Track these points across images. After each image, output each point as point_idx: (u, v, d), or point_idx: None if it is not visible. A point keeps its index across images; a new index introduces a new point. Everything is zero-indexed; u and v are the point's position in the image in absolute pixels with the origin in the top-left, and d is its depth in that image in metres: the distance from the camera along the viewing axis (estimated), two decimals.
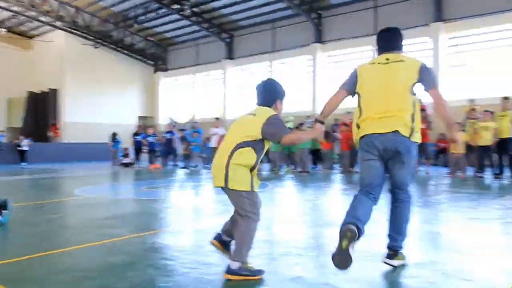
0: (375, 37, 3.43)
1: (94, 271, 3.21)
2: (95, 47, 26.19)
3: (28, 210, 6.26)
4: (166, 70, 28.88)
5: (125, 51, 27.48)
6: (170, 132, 17.32)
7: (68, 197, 8.06)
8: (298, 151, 13.63)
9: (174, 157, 17.24)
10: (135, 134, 18.18)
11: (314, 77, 21.09)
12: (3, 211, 5.05)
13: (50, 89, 25.48)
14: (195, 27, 24.57)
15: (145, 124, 23.94)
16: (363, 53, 19.73)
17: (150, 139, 17.53)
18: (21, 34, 27.25)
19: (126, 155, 18.71)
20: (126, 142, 18.98)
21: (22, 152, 20.36)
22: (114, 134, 19.05)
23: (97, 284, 2.92)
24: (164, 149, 17.21)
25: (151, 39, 27.63)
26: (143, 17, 23.80)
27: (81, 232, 4.73)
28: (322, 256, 3.63)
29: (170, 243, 4.19)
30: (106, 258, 3.61)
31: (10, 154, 20.54)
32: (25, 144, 20.52)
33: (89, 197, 7.83)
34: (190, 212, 6.42)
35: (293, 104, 20.48)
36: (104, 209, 6.46)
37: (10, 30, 26.08)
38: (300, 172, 13.15)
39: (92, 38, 25.78)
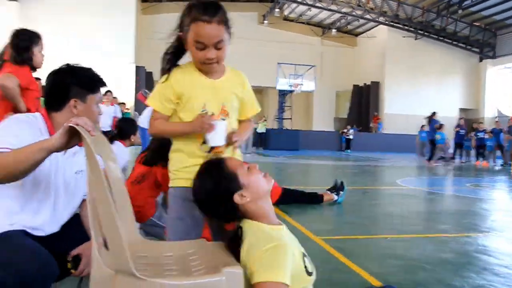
0: None
1: (427, 263, 3.24)
2: (416, 39, 26.16)
3: (356, 194, 6.86)
4: (494, 57, 26.15)
5: (447, 40, 26.36)
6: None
7: (390, 186, 8.42)
8: None
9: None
10: (458, 127, 17.21)
11: None
12: (340, 192, 5.72)
13: (372, 82, 27.05)
14: None
15: (465, 117, 22.43)
16: None
17: (480, 134, 16.24)
18: (348, 32, 29.87)
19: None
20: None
21: (348, 141, 22.49)
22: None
23: (431, 276, 2.94)
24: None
25: (477, 24, 25.49)
26: (469, 1, 22.17)
27: (407, 222, 4.84)
28: None
29: (506, 249, 3.81)
30: (436, 252, 3.58)
31: (336, 141, 23.09)
32: (351, 133, 22.60)
33: (410, 188, 7.95)
34: None
35: None
36: (427, 202, 6.44)
37: (339, 30, 28.99)
38: None
39: (413, 30, 25.87)
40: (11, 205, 1.82)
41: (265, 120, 22.13)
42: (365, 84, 27.78)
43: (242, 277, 1.36)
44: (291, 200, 5.54)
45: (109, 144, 1.75)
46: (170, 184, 1.89)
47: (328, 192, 5.78)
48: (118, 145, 4.04)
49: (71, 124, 1.51)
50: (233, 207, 1.55)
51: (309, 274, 1.51)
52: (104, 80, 2.07)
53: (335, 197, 5.71)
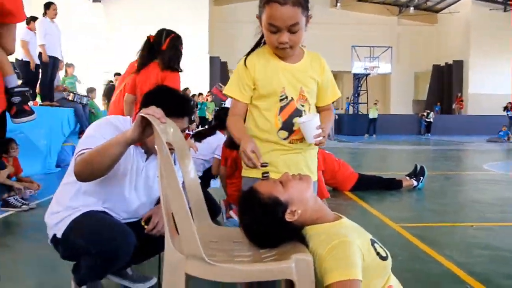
0: None
1: None
2: (505, 11, 24.11)
3: (438, 180, 6.50)
4: None
5: None
6: None
7: (476, 171, 7.88)
8: None
9: None
10: None
11: None
12: (420, 178, 5.45)
13: (454, 61, 25.42)
14: None
15: None
16: None
17: None
18: (427, 9, 28.20)
19: None
20: None
21: (428, 124, 21.40)
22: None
23: None
24: None
25: None
26: None
27: (495, 210, 4.49)
28: None
29: None
30: None
31: (415, 125, 22.09)
32: (431, 116, 21.48)
33: (499, 173, 7.40)
34: None
35: None
36: None
37: (417, 7, 27.45)
38: None
39: (501, 1, 23.86)
40: (91, 201, 1.94)
41: (376, 104, 21.59)
42: (446, 63, 26.17)
43: (312, 265, 1.33)
44: (368, 187, 5.39)
45: (182, 136, 1.77)
46: (243, 173, 1.83)
47: (407, 177, 5.53)
48: (218, 135, 4.00)
49: (141, 114, 1.55)
50: (291, 227, 1.47)
51: (383, 258, 1.44)
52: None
53: (415, 183, 5.45)
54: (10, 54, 1.57)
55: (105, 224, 1.82)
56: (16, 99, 1.55)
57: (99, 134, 1.85)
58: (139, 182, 2.02)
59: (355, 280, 1.28)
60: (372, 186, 5.44)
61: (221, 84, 5.28)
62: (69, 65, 9.10)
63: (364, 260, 1.35)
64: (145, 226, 1.96)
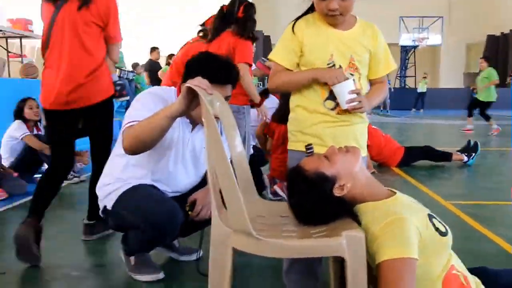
0: None
1: None
2: None
3: (492, 156, 6.20)
4: None
5: None
6: None
7: None
8: None
9: None
10: None
11: None
12: (472, 154, 5.21)
13: (511, 30, 23.92)
14: None
15: None
16: None
17: None
18: None
19: None
20: None
21: None
22: None
23: None
24: None
25: None
26: None
27: None
28: None
29: None
30: None
31: (466, 99, 21.13)
32: None
33: None
34: None
35: None
36: None
37: None
38: None
39: None
40: (140, 173, 1.96)
41: (425, 77, 20.83)
42: (502, 33, 24.64)
43: (364, 241, 1.27)
44: (415, 158, 5.24)
45: (229, 108, 1.72)
46: (289, 147, 1.78)
47: (458, 153, 5.30)
48: (271, 98, 4.06)
49: (187, 85, 1.52)
50: (341, 202, 1.41)
51: (443, 234, 1.36)
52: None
53: (465, 158, 5.22)
54: (115, 63, 2.60)
55: (153, 200, 1.84)
56: (118, 87, 2.54)
57: (145, 107, 1.85)
58: (186, 153, 2.02)
59: (410, 258, 1.22)
60: (419, 157, 5.27)
61: (264, 58, 5.06)
62: None
63: (421, 237, 1.28)
64: (189, 213, 1.95)
